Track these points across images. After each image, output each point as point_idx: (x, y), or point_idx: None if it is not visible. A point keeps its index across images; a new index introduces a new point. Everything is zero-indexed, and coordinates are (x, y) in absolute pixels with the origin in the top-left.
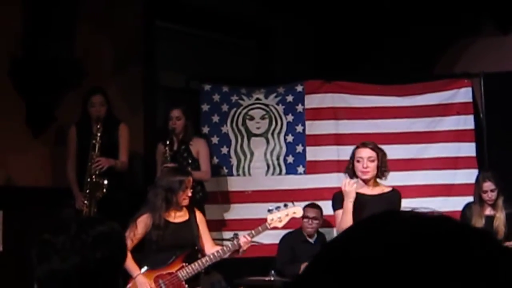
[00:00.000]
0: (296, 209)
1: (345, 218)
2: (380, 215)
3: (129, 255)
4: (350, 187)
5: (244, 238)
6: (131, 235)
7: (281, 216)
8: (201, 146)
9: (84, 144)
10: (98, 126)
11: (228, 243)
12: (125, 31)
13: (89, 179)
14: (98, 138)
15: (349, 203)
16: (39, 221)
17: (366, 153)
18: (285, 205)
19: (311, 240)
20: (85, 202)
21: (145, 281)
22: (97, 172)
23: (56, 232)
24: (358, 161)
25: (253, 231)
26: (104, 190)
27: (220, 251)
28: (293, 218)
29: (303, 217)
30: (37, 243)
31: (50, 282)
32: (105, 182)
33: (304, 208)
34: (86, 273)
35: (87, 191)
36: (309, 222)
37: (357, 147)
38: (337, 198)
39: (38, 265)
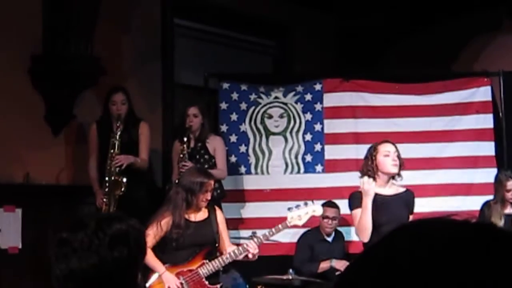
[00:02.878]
0: (316, 208)
1: (365, 217)
2: (419, 223)
3: (151, 253)
4: (369, 185)
5: (251, 244)
6: (156, 235)
7: (301, 214)
8: (217, 144)
9: (105, 142)
10: (118, 125)
11: (244, 243)
12: (143, 29)
13: (108, 177)
14: (117, 137)
15: (368, 201)
16: (58, 219)
17: (392, 147)
18: (305, 203)
19: (329, 239)
20: (105, 200)
21: (171, 276)
22: (116, 170)
23: (74, 231)
24: (386, 155)
25: (273, 229)
26: (123, 189)
27: (236, 250)
28: (312, 217)
29: (323, 217)
30: (55, 242)
31: (68, 281)
32: (124, 180)
33: (323, 207)
34: (105, 272)
35: (106, 189)
36: (329, 222)
37: (379, 144)
38: (355, 198)
39: (57, 264)
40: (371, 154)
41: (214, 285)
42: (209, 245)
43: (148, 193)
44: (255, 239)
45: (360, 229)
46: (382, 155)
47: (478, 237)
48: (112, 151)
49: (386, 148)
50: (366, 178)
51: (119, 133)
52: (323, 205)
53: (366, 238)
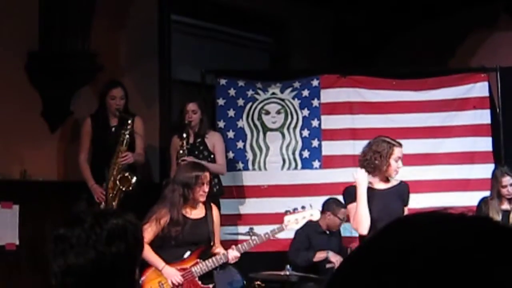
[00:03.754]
0: (313, 212)
1: (360, 208)
2: (415, 216)
3: (150, 248)
4: (363, 175)
5: (234, 252)
6: (152, 231)
7: (298, 218)
8: (216, 140)
9: (99, 136)
10: (130, 121)
11: (221, 254)
12: (140, 25)
13: (114, 173)
14: (127, 133)
15: (362, 192)
16: (55, 215)
17: (402, 153)
18: (302, 207)
19: (328, 232)
20: (105, 194)
21: (173, 270)
22: (121, 166)
23: (71, 227)
24: (396, 161)
25: (269, 232)
26: (131, 185)
27: (214, 260)
28: (309, 221)
29: (340, 218)
30: (52, 238)
31: (66, 276)
32: (133, 180)
33: (332, 206)
34: (103, 267)
35: (115, 185)
36: (339, 222)
37: (395, 145)
38: (349, 193)
39: (54, 260)
40: (387, 153)
41: (206, 285)
42: (204, 244)
43: (145, 188)
44: (239, 247)
45: (357, 221)
46: (393, 159)
47: (475, 231)
48: (120, 147)
49: (398, 154)
50: (358, 169)
51: (129, 129)
52: (334, 204)
53: (364, 230)
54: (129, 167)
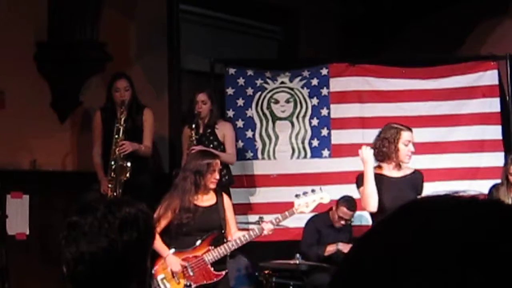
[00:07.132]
0: (324, 195)
1: (367, 185)
2: (425, 200)
3: (157, 237)
4: (368, 152)
5: (269, 224)
6: (163, 220)
7: (308, 201)
8: (226, 130)
9: (109, 128)
10: (122, 110)
11: (254, 227)
12: (149, 15)
13: (113, 163)
14: (122, 122)
15: (369, 169)
16: (65, 205)
17: (412, 137)
18: (313, 191)
19: (337, 225)
20: (110, 186)
21: (175, 259)
22: (121, 156)
23: (84, 214)
24: (406, 145)
25: (279, 216)
26: (128, 174)
27: (246, 235)
28: (319, 204)
29: (338, 216)
30: (65, 225)
31: (78, 264)
32: (129, 165)
33: (339, 201)
34: (114, 256)
35: (112, 174)
36: (341, 222)
37: (402, 130)
38: (361, 177)
39: (66, 247)
40: (394, 138)
41: (219, 272)
42: (215, 231)
43: (154, 179)
44: (273, 221)
45: (365, 198)
46: (402, 143)
47: (487, 213)
48: (116, 136)
49: (407, 138)
50: (364, 147)
51: (123, 118)
52: (341, 200)
53: (373, 207)
54: (129, 157)
